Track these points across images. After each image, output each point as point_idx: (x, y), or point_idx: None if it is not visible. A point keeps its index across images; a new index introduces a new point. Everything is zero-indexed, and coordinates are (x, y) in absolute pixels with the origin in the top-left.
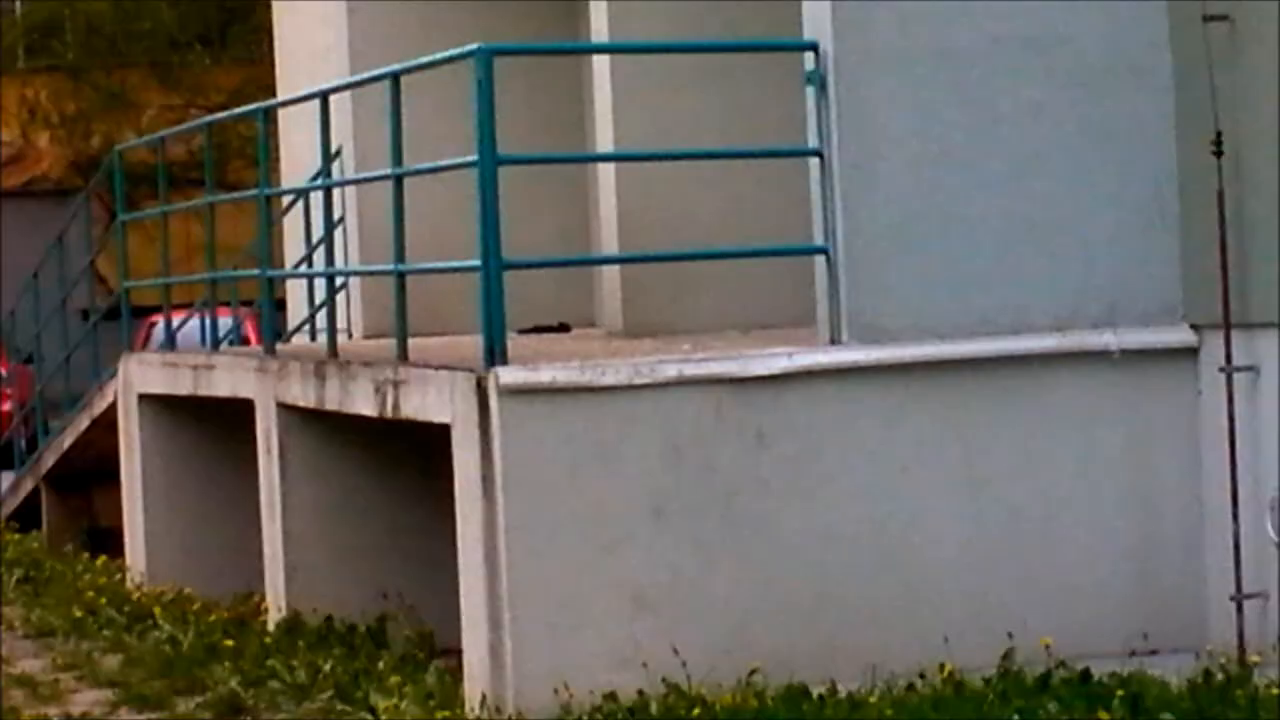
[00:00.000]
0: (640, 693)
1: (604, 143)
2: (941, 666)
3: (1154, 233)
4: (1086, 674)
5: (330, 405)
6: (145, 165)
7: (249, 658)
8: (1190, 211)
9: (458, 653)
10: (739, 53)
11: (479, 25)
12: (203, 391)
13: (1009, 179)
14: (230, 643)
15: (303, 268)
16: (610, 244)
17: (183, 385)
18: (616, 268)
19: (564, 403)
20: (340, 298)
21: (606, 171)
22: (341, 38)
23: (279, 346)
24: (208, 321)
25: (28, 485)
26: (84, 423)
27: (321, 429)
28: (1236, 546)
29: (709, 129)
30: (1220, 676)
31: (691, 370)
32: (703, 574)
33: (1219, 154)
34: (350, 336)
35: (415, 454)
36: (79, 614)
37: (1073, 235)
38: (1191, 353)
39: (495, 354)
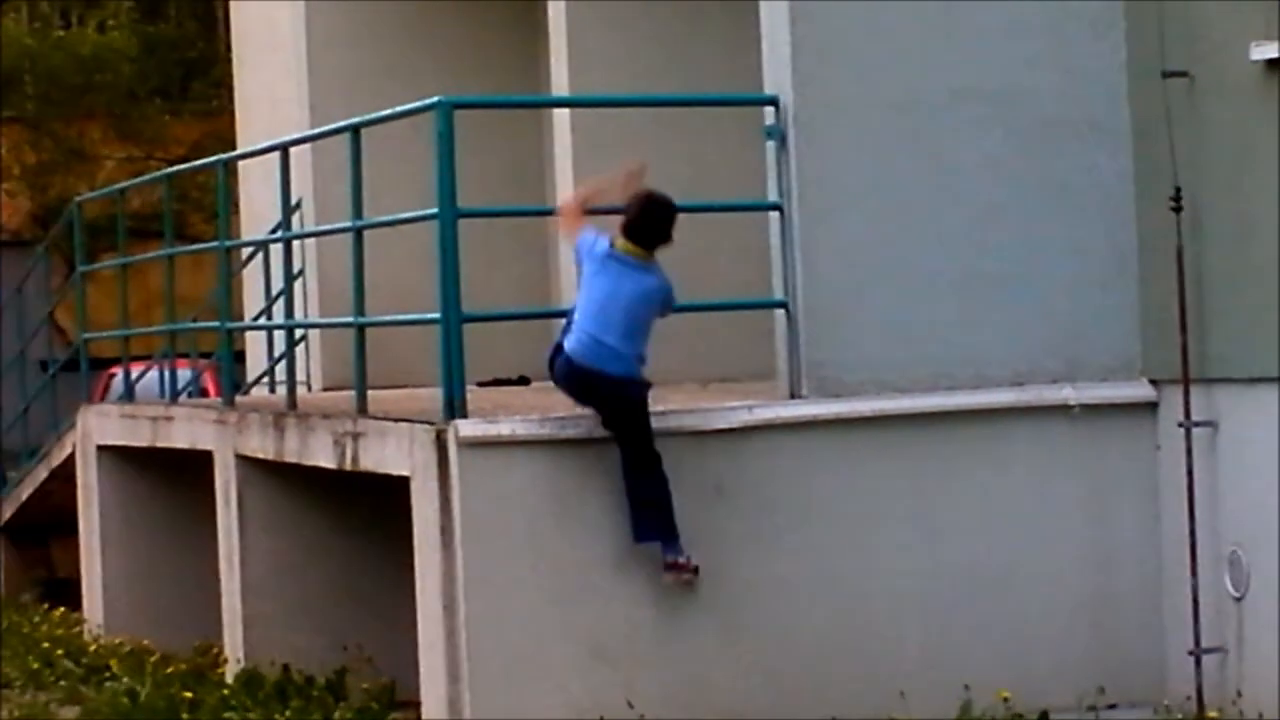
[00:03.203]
0: None
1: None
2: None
3: (1113, 287)
4: None
5: (289, 457)
6: (105, 217)
7: (207, 710)
8: (1149, 267)
9: (416, 705)
10: (699, 106)
11: (439, 77)
12: (161, 443)
13: (967, 233)
14: (188, 694)
15: (262, 320)
16: (570, 296)
17: (141, 437)
18: None
19: (523, 455)
20: (300, 350)
21: None
22: (302, 90)
23: (238, 398)
24: (166, 373)
25: None
26: (42, 474)
27: (280, 481)
28: (1195, 601)
29: (669, 182)
30: None
31: (653, 424)
32: (661, 626)
33: (1178, 210)
34: (310, 389)
35: (374, 506)
36: (35, 665)
37: (1031, 290)
38: (1150, 407)
39: (454, 406)
